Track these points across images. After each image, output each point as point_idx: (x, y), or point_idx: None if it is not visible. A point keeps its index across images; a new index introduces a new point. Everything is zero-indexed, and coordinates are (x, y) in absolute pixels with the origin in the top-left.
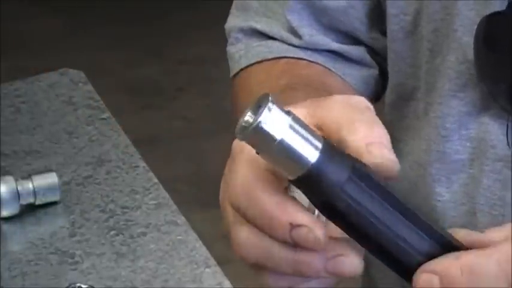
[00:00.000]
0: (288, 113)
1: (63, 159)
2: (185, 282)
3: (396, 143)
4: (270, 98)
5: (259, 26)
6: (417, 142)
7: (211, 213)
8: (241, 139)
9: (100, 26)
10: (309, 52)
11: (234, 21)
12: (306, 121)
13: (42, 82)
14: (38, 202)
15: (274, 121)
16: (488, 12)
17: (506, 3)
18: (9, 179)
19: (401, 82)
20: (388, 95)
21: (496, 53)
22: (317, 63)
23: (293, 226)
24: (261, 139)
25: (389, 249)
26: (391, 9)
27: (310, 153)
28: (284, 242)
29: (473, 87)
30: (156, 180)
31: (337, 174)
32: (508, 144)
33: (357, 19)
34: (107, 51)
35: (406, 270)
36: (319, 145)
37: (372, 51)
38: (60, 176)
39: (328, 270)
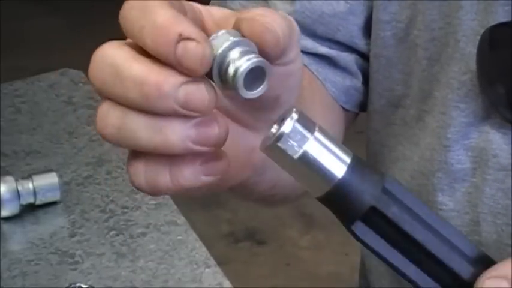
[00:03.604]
0: (313, 124)
1: (63, 159)
2: (185, 282)
3: (381, 148)
4: (294, 109)
5: None
6: (417, 151)
7: (211, 213)
8: (264, 151)
9: (100, 26)
10: None
11: None
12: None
13: (42, 82)
14: (38, 202)
15: (297, 132)
16: (490, 21)
17: (509, 12)
18: (9, 179)
19: (391, 88)
20: (376, 101)
21: (500, 63)
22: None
23: (182, 38)
24: (284, 151)
25: (427, 266)
26: (383, 15)
27: (337, 167)
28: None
29: (475, 98)
30: None
31: (367, 190)
32: None
33: (355, 25)
34: None
35: (452, 278)
36: (347, 159)
37: (363, 59)
38: (60, 176)
39: (179, 98)
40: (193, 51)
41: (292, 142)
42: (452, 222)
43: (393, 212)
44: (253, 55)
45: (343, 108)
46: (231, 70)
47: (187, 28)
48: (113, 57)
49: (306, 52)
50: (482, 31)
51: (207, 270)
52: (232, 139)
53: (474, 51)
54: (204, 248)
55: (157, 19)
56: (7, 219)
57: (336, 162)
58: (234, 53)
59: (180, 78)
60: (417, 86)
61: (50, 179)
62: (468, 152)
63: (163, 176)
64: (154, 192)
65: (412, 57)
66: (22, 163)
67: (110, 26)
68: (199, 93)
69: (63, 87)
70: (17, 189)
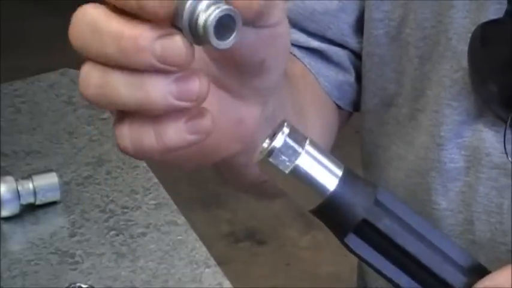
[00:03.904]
0: (304, 138)
1: (63, 159)
2: (185, 282)
3: (376, 149)
4: (285, 123)
5: None
6: (411, 150)
7: (211, 213)
8: (258, 167)
9: None
10: None
11: None
12: None
13: (42, 82)
14: (38, 202)
15: (288, 147)
16: (482, 19)
17: (500, 10)
18: (9, 179)
19: (384, 87)
20: (369, 101)
21: (491, 61)
22: (296, 58)
23: None
24: (275, 166)
25: (420, 277)
26: (376, 14)
27: (329, 180)
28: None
29: (468, 96)
30: (156, 180)
31: (359, 203)
32: (506, 153)
33: (346, 24)
34: None
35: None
36: (339, 172)
37: (355, 56)
38: (60, 176)
39: (156, 51)
40: None
41: (283, 157)
42: (446, 222)
43: (385, 224)
44: (221, 3)
45: (337, 106)
46: (201, 21)
47: None
48: (91, 15)
49: (298, 46)
50: (473, 29)
51: (207, 270)
52: (219, 107)
53: (466, 49)
54: (204, 248)
55: None
56: (7, 219)
57: (327, 175)
58: (203, 4)
59: (156, 32)
60: (409, 84)
61: (50, 179)
62: (461, 150)
63: (147, 136)
64: (139, 154)
65: (404, 56)
66: (22, 163)
67: None
68: (176, 46)
69: (63, 87)
70: (17, 189)
